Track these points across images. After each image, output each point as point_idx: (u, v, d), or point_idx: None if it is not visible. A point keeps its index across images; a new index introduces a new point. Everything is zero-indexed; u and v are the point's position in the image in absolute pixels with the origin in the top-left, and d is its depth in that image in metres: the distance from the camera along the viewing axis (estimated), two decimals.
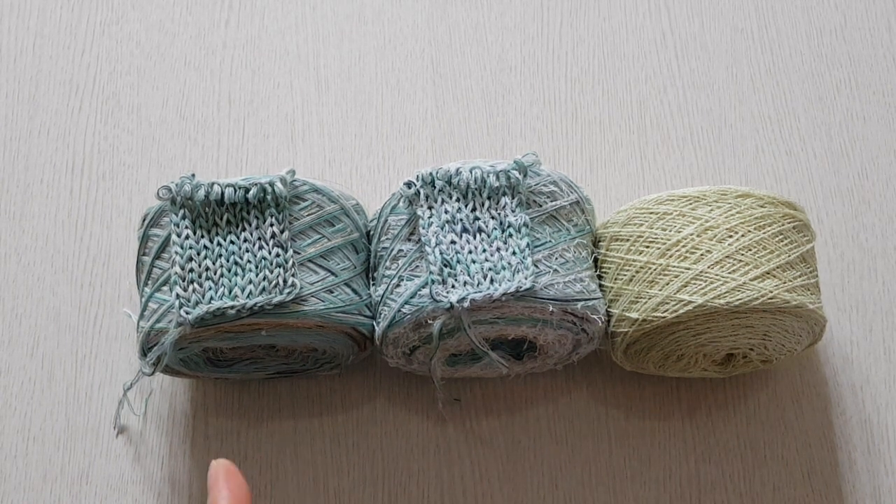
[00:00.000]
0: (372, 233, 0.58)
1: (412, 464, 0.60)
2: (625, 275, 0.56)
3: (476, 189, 0.55)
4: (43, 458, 0.61)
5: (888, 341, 0.63)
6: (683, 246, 0.55)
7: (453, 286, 0.53)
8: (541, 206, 0.55)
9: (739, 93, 0.70)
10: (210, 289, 0.53)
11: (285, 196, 0.54)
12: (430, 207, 0.55)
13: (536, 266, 0.53)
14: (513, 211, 0.54)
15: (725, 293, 0.53)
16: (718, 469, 0.60)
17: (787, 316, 0.55)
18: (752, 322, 0.54)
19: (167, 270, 0.54)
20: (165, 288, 0.54)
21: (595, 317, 0.55)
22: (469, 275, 0.53)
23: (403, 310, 0.54)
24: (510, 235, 0.54)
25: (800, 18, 0.72)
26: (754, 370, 0.60)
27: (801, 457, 0.60)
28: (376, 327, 0.56)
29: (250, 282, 0.53)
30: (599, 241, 0.58)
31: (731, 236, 0.54)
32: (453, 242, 0.54)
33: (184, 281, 0.53)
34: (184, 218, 0.54)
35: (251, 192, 0.54)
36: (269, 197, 0.54)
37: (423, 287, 0.54)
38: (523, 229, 0.54)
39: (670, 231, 0.55)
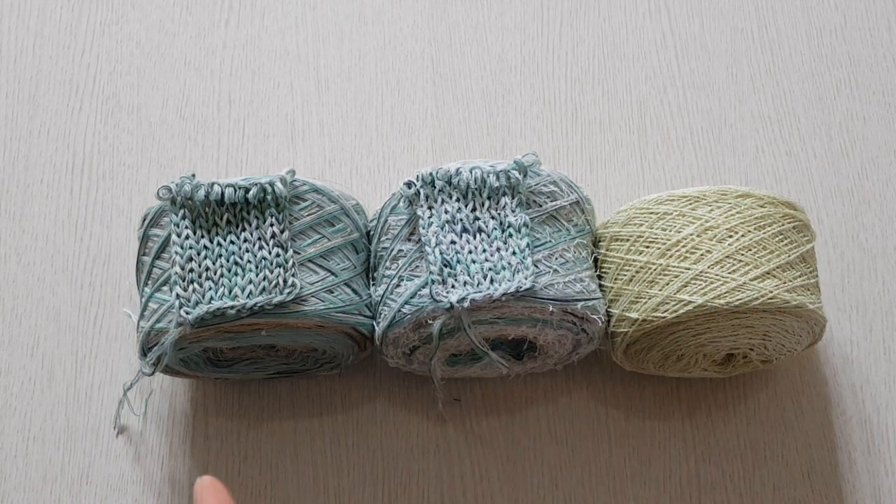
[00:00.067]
0: (372, 233, 0.58)
1: (412, 464, 0.60)
2: (625, 275, 0.56)
3: (476, 189, 0.55)
4: (43, 458, 0.61)
5: (888, 341, 0.63)
6: (683, 246, 0.55)
7: (453, 286, 0.53)
8: (541, 206, 0.55)
9: (739, 93, 0.70)
10: (210, 289, 0.53)
11: (285, 196, 0.54)
12: (430, 207, 0.55)
13: (536, 266, 0.53)
14: (513, 211, 0.54)
15: (725, 293, 0.53)
16: (718, 469, 0.60)
17: (787, 316, 0.55)
18: (752, 322, 0.54)
19: (167, 270, 0.54)
20: (165, 288, 0.54)
21: (595, 317, 0.55)
22: (469, 275, 0.53)
23: (403, 310, 0.54)
24: (510, 235, 0.54)
25: (800, 18, 0.72)
26: (754, 370, 0.60)
27: (801, 457, 0.60)
28: (376, 327, 0.56)
29: (250, 282, 0.53)
30: (599, 241, 0.58)
31: (731, 236, 0.54)
32: (453, 242, 0.54)
33: (184, 281, 0.53)
34: (184, 218, 0.54)
35: (251, 192, 0.54)
36: (269, 197, 0.54)
37: (423, 287, 0.54)
38: (523, 229, 0.54)
39: (670, 231, 0.55)
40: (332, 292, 0.55)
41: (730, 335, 0.55)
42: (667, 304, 0.54)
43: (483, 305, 0.53)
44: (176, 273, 0.53)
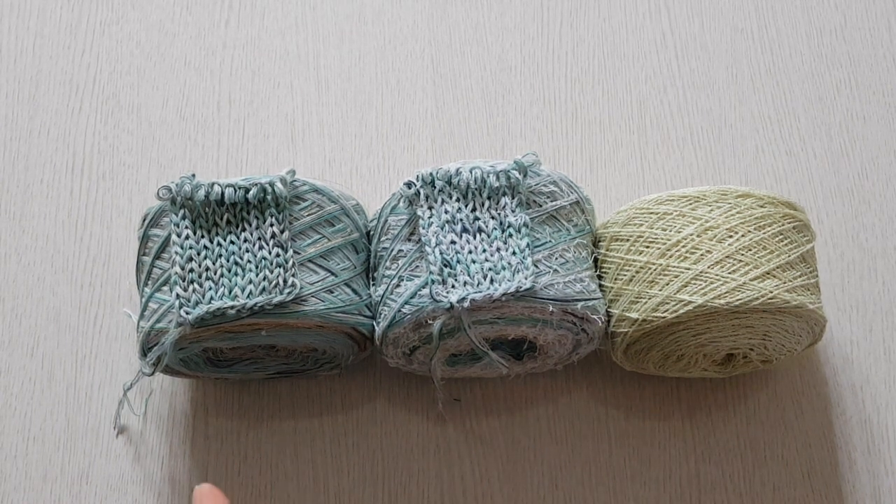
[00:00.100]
0: (372, 233, 0.58)
1: (412, 464, 0.60)
2: (625, 275, 0.56)
3: (476, 189, 0.55)
4: (43, 458, 0.61)
5: (888, 341, 0.63)
6: (683, 246, 0.55)
7: (453, 286, 0.53)
8: (541, 206, 0.55)
9: (739, 93, 0.70)
10: (210, 289, 0.53)
11: (285, 196, 0.54)
12: (430, 207, 0.55)
13: (536, 266, 0.53)
14: (513, 211, 0.54)
15: (725, 293, 0.53)
16: (718, 469, 0.60)
17: (787, 316, 0.55)
18: (752, 322, 0.54)
19: (167, 270, 0.54)
20: (165, 288, 0.54)
21: (595, 317, 0.55)
22: (469, 275, 0.53)
23: (403, 310, 0.54)
24: (510, 235, 0.54)
25: (800, 18, 0.72)
26: (754, 370, 0.60)
27: (801, 457, 0.60)
28: (376, 327, 0.56)
29: (250, 282, 0.53)
30: (599, 241, 0.58)
31: (731, 236, 0.54)
32: (453, 242, 0.54)
33: (184, 281, 0.53)
34: (184, 218, 0.54)
35: (251, 193, 0.54)
36: (269, 197, 0.54)
37: (423, 287, 0.54)
38: (523, 229, 0.54)
39: (670, 231, 0.55)
40: (332, 292, 0.55)
41: (730, 335, 0.55)
42: (667, 304, 0.54)
43: (483, 305, 0.53)
44: (176, 273, 0.53)
